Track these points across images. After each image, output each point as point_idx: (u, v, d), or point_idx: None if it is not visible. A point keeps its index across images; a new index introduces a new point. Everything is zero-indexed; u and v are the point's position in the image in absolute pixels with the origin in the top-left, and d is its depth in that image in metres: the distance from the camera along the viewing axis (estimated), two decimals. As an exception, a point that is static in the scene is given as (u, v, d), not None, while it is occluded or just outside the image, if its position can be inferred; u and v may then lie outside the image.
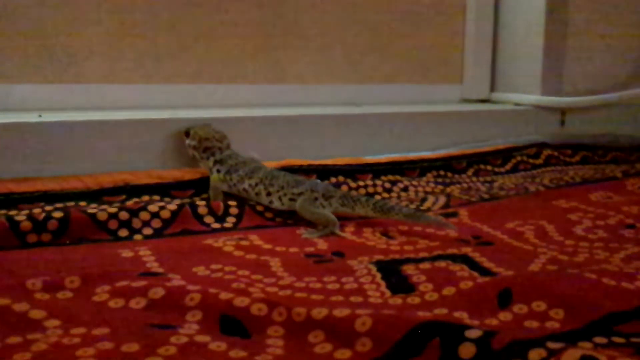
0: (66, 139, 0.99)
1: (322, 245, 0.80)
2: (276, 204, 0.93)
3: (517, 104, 1.48)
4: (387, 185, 1.10)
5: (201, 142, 1.01)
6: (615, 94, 1.44)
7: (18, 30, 1.07)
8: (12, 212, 0.85)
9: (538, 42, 1.45)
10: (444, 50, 1.52)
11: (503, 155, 1.31)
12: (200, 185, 1.02)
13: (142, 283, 0.62)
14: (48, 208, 0.88)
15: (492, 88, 1.56)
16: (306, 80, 1.35)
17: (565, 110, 1.46)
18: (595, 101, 1.43)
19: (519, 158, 1.31)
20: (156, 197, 0.98)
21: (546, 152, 1.35)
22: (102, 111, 1.09)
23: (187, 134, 1.03)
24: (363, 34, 1.40)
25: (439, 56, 1.51)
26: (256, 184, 0.95)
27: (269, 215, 0.94)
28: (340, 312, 0.54)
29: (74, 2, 1.10)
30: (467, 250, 0.77)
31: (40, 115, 1.00)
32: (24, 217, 0.79)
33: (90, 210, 0.83)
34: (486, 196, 1.05)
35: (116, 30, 1.14)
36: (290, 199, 0.92)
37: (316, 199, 0.91)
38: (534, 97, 1.45)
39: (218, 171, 0.99)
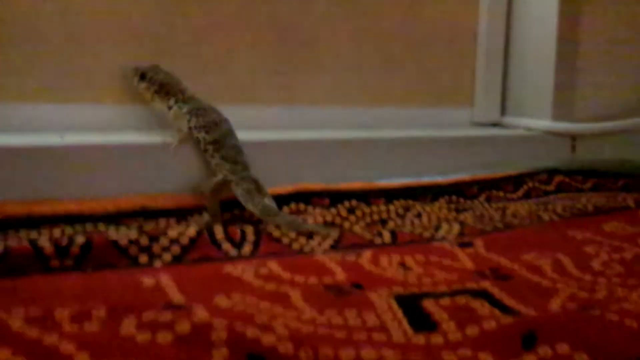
0: (86, 161, 1.00)
1: (341, 275, 0.81)
2: (212, 165, 1.03)
3: (528, 129, 1.49)
4: (401, 211, 1.11)
5: (162, 86, 1.06)
6: (627, 120, 1.45)
7: (38, 50, 1.08)
8: (34, 234, 0.86)
9: (549, 67, 1.46)
10: (455, 74, 1.53)
11: (514, 181, 1.32)
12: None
13: (168, 316, 0.62)
14: (69, 231, 0.90)
15: (503, 111, 1.57)
16: (319, 102, 1.36)
17: (576, 136, 1.47)
18: (607, 128, 1.44)
19: (530, 184, 1.32)
20: (173, 220, 0.99)
21: (557, 178, 1.36)
22: (121, 133, 1.09)
23: (142, 76, 1.07)
24: (376, 58, 1.41)
25: (450, 80, 1.52)
26: (208, 143, 1.03)
27: (286, 240, 0.94)
28: (368, 354, 0.55)
29: (93, 24, 1.11)
30: (485, 284, 0.78)
31: (61, 137, 1.01)
32: (47, 243, 0.80)
33: (111, 236, 0.84)
34: (500, 225, 1.06)
35: (134, 54, 1.15)
36: (219, 171, 1.02)
37: (231, 181, 1.00)
38: (545, 123, 1.46)
39: (180, 108, 1.06)
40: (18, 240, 0.84)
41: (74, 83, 1.11)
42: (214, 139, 1.04)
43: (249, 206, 1.00)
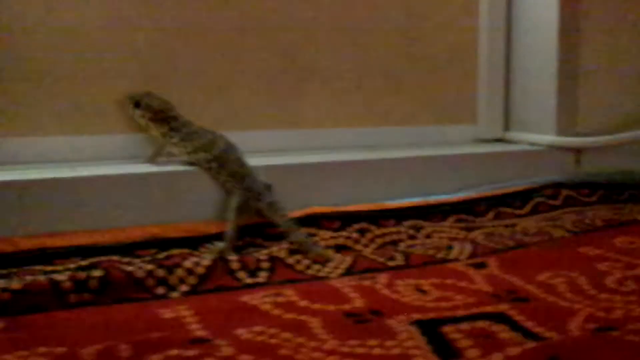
0: (98, 192, 1.01)
1: (358, 301, 0.81)
2: (220, 182, 1.06)
3: (531, 144, 1.49)
4: (412, 232, 1.11)
5: (157, 113, 1.07)
6: (631, 132, 1.46)
7: (49, 84, 1.09)
8: (49, 268, 0.86)
9: (551, 82, 1.46)
10: (457, 91, 1.54)
11: (522, 196, 1.33)
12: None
13: (193, 353, 0.63)
14: (83, 263, 0.90)
15: (506, 127, 1.58)
16: (323, 124, 1.37)
17: (581, 150, 1.48)
18: (611, 141, 1.45)
19: (537, 199, 1.33)
20: (185, 251, 0.99)
21: (564, 192, 1.37)
22: (131, 163, 1.10)
23: (137, 104, 1.08)
24: (379, 78, 1.42)
25: (452, 97, 1.53)
26: (209, 161, 1.06)
27: (299, 267, 0.95)
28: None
29: (100, 56, 1.12)
30: (504, 307, 0.78)
31: (73, 169, 1.02)
32: (64, 277, 0.80)
33: (128, 268, 0.84)
34: (511, 243, 1.07)
35: (140, 83, 1.16)
36: (230, 188, 1.05)
37: (249, 198, 1.03)
38: (550, 138, 1.46)
39: (171, 137, 1.08)
40: (34, 276, 0.84)
41: (84, 115, 1.12)
42: (215, 155, 1.06)
43: (275, 219, 1.03)
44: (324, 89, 1.35)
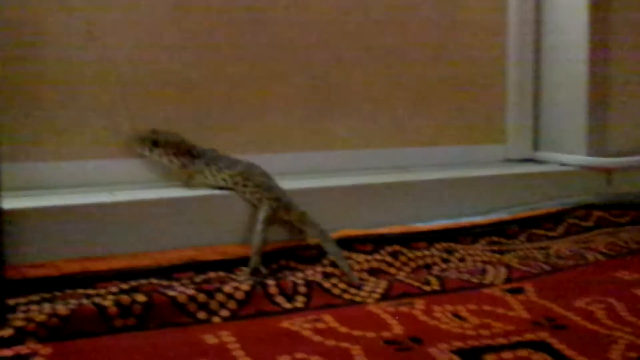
0: (137, 216, 1.02)
1: (397, 328, 0.82)
2: (248, 196, 1.07)
3: (562, 164, 1.49)
4: (445, 255, 1.12)
5: (179, 147, 1.09)
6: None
7: (86, 109, 1.11)
8: (91, 292, 0.88)
9: (581, 102, 1.47)
10: (486, 111, 1.54)
11: (554, 218, 1.33)
12: (264, 260, 1.04)
13: (241, 381, 0.64)
14: (124, 286, 0.92)
15: (536, 147, 1.58)
16: (353, 145, 1.38)
17: (612, 170, 1.48)
18: (642, 161, 1.45)
19: (569, 221, 1.33)
20: (222, 273, 1.00)
21: (596, 213, 1.37)
22: (168, 187, 1.12)
23: (155, 143, 1.08)
24: (408, 98, 1.43)
25: (481, 117, 1.54)
26: (235, 175, 1.07)
27: (336, 291, 0.96)
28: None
29: (135, 80, 1.14)
30: (544, 335, 0.78)
31: (112, 194, 1.04)
32: (110, 302, 0.81)
33: (170, 293, 0.85)
34: (546, 267, 1.07)
35: (176, 105, 1.18)
36: (259, 199, 1.06)
37: (279, 208, 1.04)
38: (580, 158, 1.46)
39: (195, 165, 1.10)
40: (78, 300, 0.86)
41: (120, 139, 1.14)
42: (239, 171, 1.08)
43: (307, 229, 1.05)
44: (355, 110, 1.36)
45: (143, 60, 1.15)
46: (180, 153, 1.10)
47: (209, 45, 1.20)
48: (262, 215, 1.04)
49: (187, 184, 1.11)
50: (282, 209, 1.06)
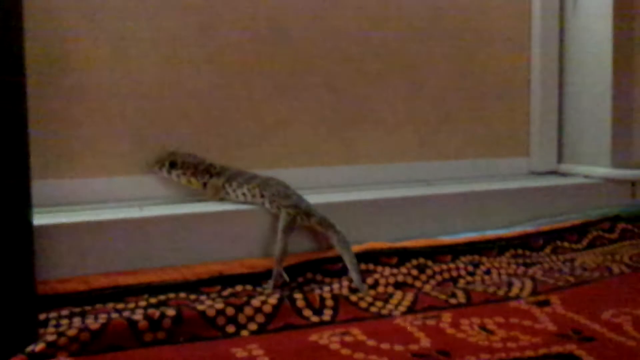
0: (166, 231, 1.03)
1: (425, 341, 0.82)
2: (267, 205, 1.10)
3: (586, 176, 1.49)
4: (470, 268, 1.12)
5: (197, 167, 1.12)
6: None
7: (113, 126, 1.13)
8: (121, 306, 0.89)
9: (605, 113, 1.47)
10: (510, 124, 1.55)
11: (578, 230, 1.33)
12: (290, 274, 1.05)
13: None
14: (153, 300, 0.93)
15: (560, 159, 1.58)
16: (378, 160, 1.39)
17: (636, 182, 1.47)
18: (666, 173, 1.45)
19: (594, 233, 1.33)
20: (249, 287, 1.01)
21: (620, 225, 1.37)
22: (193, 203, 1.13)
23: (172, 165, 1.12)
24: (432, 112, 1.44)
25: (505, 129, 1.54)
26: (253, 188, 1.11)
27: (363, 305, 0.96)
28: None
29: (162, 98, 1.16)
30: (572, 348, 0.78)
31: (141, 209, 1.05)
32: (140, 316, 0.83)
33: (200, 307, 0.86)
34: (572, 279, 1.07)
35: (201, 121, 1.19)
36: (277, 207, 1.08)
37: (297, 214, 1.07)
38: (604, 170, 1.46)
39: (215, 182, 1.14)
40: (108, 314, 0.87)
41: (147, 154, 1.15)
42: (257, 183, 1.11)
43: (329, 234, 1.07)
44: (379, 124, 1.38)
45: (169, 77, 1.16)
46: (199, 172, 1.13)
47: (234, 61, 1.22)
48: (281, 223, 1.06)
49: (212, 198, 1.12)
50: (301, 214, 1.08)
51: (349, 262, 1.04)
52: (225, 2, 1.21)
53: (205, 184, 1.14)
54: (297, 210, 1.08)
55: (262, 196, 1.10)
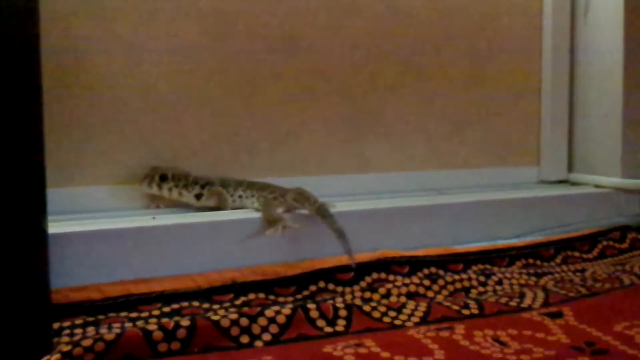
0: (179, 240, 1.04)
1: (439, 354, 0.82)
2: (256, 205, 1.13)
3: (596, 186, 1.49)
4: (482, 278, 1.12)
5: (187, 178, 1.13)
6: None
7: (128, 134, 1.13)
8: (134, 315, 0.90)
9: (616, 123, 1.47)
10: (520, 133, 1.55)
11: (589, 240, 1.33)
12: (302, 282, 1.05)
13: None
14: (166, 309, 0.93)
15: (570, 168, 1.58)
16: (389, 168, 1.39)
17: (647, 192, 1.47)
18: (678, 183, 1.45)
19: (605, 243, 1.33)
20: (261, 295, 1.02)
21: (631, 235, 1.37)
22: (204, 211, 1.13)
23: (163, 178, 1.12)
24: (442, 121, 1.44)
25: (515, 138, 1.54)
26: (244, 190, 1.15)
27: (376, 315, 0.96)
28: None
29: (175, 105, 1.16)
30: (585, 361, 0.79)
31: (154, 218, 1.05)
32: (155, 327, 0.83)
33: (214, 317, 0.87)
34: (584, 290, 1.07)
35: (214, 129, 1.20)
36: (257, 198, 1.13)
37: (275, 198, 1.11)
38: (615, 180, 1.46)
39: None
40: (121, 323, 0.88)
41: (160, 162, 1.16)
42: (246, 186, 1.15)
43: (306, 206, 1.10)
44: (390, 133, 1.38)
45: (182, 86, 1.17)
46: (190, 184, 1.14)
47: (247, 70, 1.22)
48: (262, 211, 1.10)
49: (221, 204, 1.15)
50: (275, 197, 1.12)
51: (333, 230, 1.06)
52: (239, 11, 1.21)
53: (197, 196, 1.15)
54: (273, 195, 1.11)
55: (251, 196, 1.14)
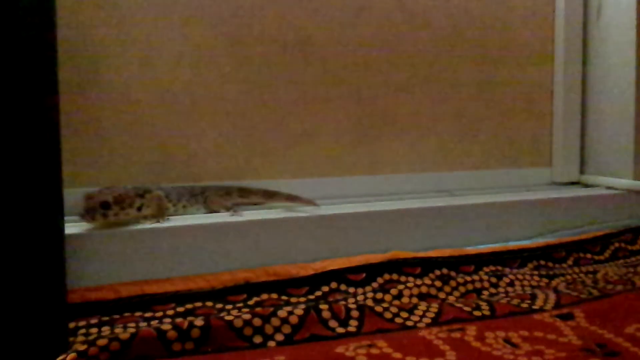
0: (193, 241, 1.05)
1: (451, 355, 0.83)
2: (201, 207, 1.15)
3: (608, 187, 1.49)
4: (494, 280, 1.12)
5: (128, 193, 1.05)
6: None
7: (143, 135, 1.15)
8: (148, 314, 0.91)
9: (628, 125, 1.47)
10: (532, 134, 1.55)
11: (601, 242, 1.33)
12: (314, 282, 1.06)
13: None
14: (179, 309, 0.94)
15: (582, 170, 1.58)
16: (401, 170, 1.40)
17: (658, 193, 1.47)
18: (690, 185, 1.44)
19: (616, 245, 1.33)
20: (274, 296, 1.02)
21: (642, 237, 1.37)
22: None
23: (105, 205, 1.00)
24: (454, 123, 1.45)
25: (527, 140, 1.55)
26: (188, 199, 1.14)
27: (388, 315, 0.97)
28: None
29: (191, 107, 1.17)
30: (597, 363, 0.79)
31: (168, 218, 1.07)
32: (169, 327, 0.84)
33: (227, 317, 0.88)
34: (595, 292, 1.07)
35: (228, 131, 1.21)
36: (205, 197, 1.15)
37: (209, 195, 1.15)
38: (627, 182, 1.46)
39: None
40: (135, 323, 0.89)
41: (175, 164, 1.17)
42: (188, 192, 1.16)
43: (251, 196, 1.18)
44: (402, 135, 1.38)
45: (198, 88, 1.18)
46: (131, 199, 1.05)
47: (261, 72, 1.23)
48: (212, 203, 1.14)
49: (158, 214, 1.10)
50: (211, 194, 1.15)
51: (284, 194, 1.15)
52: (253, 13, 1.22)
53: (139, 208, 1.06)
54: (207, 193, 1.15)
55: (194, 201, 1.15)
